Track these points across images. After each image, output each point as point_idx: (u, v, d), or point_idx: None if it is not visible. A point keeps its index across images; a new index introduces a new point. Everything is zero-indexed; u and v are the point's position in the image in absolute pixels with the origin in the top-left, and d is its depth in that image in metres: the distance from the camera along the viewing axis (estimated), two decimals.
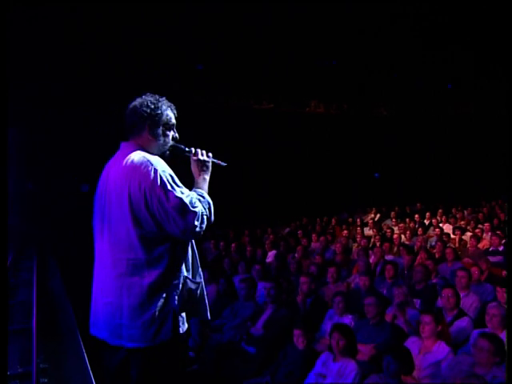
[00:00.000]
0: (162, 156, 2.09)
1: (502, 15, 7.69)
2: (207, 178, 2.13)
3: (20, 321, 3.42)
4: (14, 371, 2.64)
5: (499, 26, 8.42)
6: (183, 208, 1.88)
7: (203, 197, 2.03)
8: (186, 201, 1.90)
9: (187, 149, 2.16)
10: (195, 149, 2.16)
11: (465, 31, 10.40)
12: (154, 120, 2.05)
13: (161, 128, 2.07)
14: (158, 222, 1.89)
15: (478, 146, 13.57)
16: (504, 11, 7.35)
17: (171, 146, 2.12)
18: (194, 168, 2.14)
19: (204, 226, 1.95)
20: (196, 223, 1.90)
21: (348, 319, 4.26)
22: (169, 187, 1.90)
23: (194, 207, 1.91)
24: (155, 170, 1.91)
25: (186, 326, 2.03)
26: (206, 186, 2.11)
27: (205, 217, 1.95)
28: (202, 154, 2.15)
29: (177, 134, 2.15)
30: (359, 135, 13.83)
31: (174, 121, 2.13)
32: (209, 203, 2.02)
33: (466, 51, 11.38)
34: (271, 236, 9.05)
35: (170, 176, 1.94)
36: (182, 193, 1.93)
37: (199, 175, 2.12)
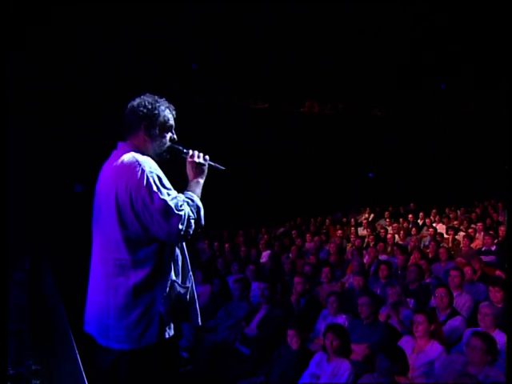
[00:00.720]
0: (160, 157, 2.07)
1: (502, 15, 7.73)
2: (201, 181, 2.09)
3: (12, 322, 3.39)
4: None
5: (499, 26, 8.47)
6: (167, 211, 1.84)
7: (192, 200, 1.97)
8: (171, 203, 1.86)
9: (185, 150, 2.12)
10: (192, 151, 2.12)
11: (465, 31, 10.44)
12: (151, 120, 2.02)
13: (157, 129, 2.04)
14: (143, 223, 1.87)
15: (474, 146, 13.64)
16: (504, 11, 7.40)
17: (168, 146, 2.09)
18: (188, 170, 2.10)
19: (191, 230, 1.90)
20: (180, 227, 1.85)
21: (342, 319, 4.27)
22: (154, 188, 1.86)
23: (178, 210, 1.87)
24: (142, 171, 1.88)
25: (173, 332, 1.98)
26: (198, 189, 2.06)
27: (192, 220, 1.90)
28: (199, 157, 2.10)
29: (175, 136, 2.11)
30: (353, 135, 13.86)
31: (172, 122, 2.09)
32: (198, 207, 1.96)
33: (465, 51, 11.42)
34: (265, 236, 9.05)
35: (158, 177, 1.90)
36: (169, 195, 1.89)
37: (193, 178, 2.08)
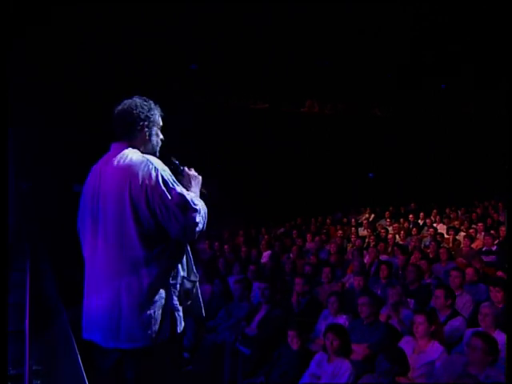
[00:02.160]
0: (154, 156, 2.11)
1: (502, 15, 7.72)
2: (199, 184, 2.17)
3: (12, 322, 3.38)
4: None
5: (499, 27, 8.46)
6: (185, 204, 1.92)
7: (199, 200, 2.05)
8: (188, 198, 1.94)
9: (181, 167, 2.21)
10: (187, 168, 2.20)
11: (465, 31, 10.44)
12: (149, 121, 2.09)
13: (155, 128, 2.11)
14: (159, 219, 1.92)
15: (474, 146, 13.64)
16: (504, 11, 7.39)
17: (173, 164, 2.16)
18: (186, 182, 2.16)
19: (201, 225, 1.98)
20: (198, 219, 1.94)
21: (342, 319, 4.26)
22: (171, 185, 1.94)
23: (195, 204, 1.96)
24: (156, 169, 1.95)
25: (183, 324, 2.04)
26: (197, 190, 2.14)
27: (201, 218, 1.99)
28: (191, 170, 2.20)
29: (162, 136, 2.18)
30: (353, 135, 13.86)
31: (161, 122, 2.18)
32: (203, 204, 2.04)
33: (465, 51, 11.42)
34: (266, 236, 9.06)
35: (170, 175, 1.98)
36: (182, 191, 1.97)
37: (191, 186, 2.15)
